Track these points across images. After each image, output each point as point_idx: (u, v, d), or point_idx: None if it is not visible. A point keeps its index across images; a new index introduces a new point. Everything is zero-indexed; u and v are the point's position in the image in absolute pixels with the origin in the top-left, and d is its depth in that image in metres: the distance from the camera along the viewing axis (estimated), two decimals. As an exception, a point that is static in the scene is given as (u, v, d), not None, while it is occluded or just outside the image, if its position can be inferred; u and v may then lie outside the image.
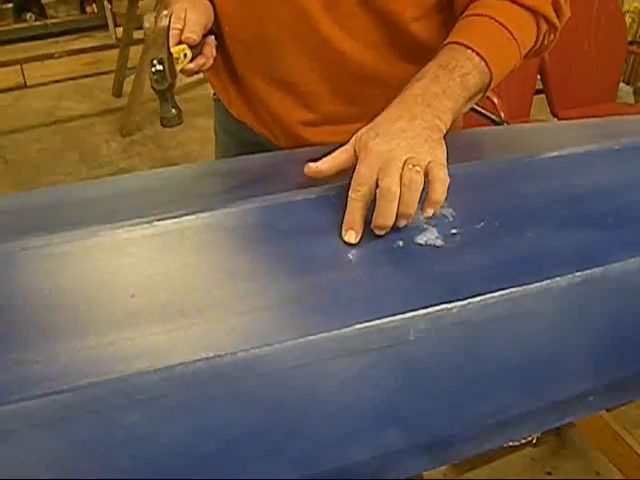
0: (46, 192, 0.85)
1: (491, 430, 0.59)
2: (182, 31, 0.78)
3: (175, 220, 0.59)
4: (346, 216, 0.58)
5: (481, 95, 0.72)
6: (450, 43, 0.70)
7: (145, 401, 0.45)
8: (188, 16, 0.78)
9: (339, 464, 0.52)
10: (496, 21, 0.71)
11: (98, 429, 0.45)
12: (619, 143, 0.75)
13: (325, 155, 0.63)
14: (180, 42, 0.78)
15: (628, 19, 3.03)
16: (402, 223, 0.58)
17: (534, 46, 0.76)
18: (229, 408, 0.48)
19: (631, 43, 2.85)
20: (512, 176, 0.67)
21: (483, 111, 1.57)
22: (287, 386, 0.49)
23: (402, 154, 0.58)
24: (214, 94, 1.03)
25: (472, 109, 1.52)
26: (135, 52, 3.16)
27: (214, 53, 0.84)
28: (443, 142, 0.61)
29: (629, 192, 0.70)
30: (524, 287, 0.55)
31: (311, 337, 0.49)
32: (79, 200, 0.70)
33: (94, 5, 3.92)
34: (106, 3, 3.76)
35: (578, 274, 0.56)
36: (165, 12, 0.78)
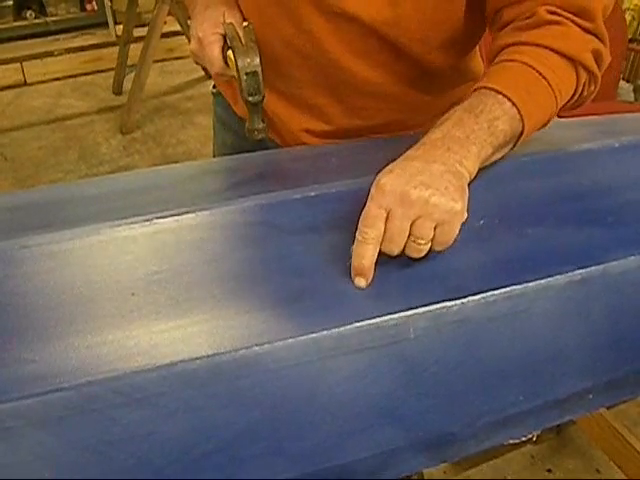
0: (46, 190, 0.85)
1: (491, 428, 0.59)
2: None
3: (175, 218, 0.59)
4: (353, 259, 0.54)
5: (512, 146, 0.66)
6: (479, 88, 0.64)
7: (144, 399, 0.45)
8: (229, 20, 0.77)
9: (339, 462, 0.52)
10: (531, 67, 0.64)
11: (97, 428, 0.45)
12: (619, 141, 0.75)
13: (325, 154, 0.63)
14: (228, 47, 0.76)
15: (628, 17, 3.02)
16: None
17: (573, 97, 0.69)
18: (229, 406, 0.48)
19: (631, 41, 2.84)
20: (512, 174, 0.67)
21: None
22: (287, 384, 0.49)
23: (417, 201, 0.53)
24: (213, 87, 1.02)
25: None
26: (135, 50, 3.15)
27: None
28: (466, 190, 0.56)
29: (629, 190, 0.70)
30: (524, 285, 0.55)
31: (311, 335, 0.49)
32: (79, 198, 0.70)
33: (94, 3, 3.92)
34: (106, 1, 3.76)
35: (578, 272, 0.57)
36: (246, 24, 0.76)
